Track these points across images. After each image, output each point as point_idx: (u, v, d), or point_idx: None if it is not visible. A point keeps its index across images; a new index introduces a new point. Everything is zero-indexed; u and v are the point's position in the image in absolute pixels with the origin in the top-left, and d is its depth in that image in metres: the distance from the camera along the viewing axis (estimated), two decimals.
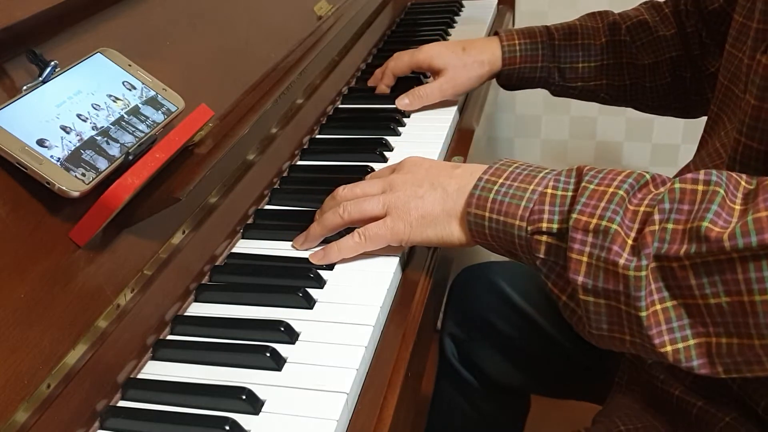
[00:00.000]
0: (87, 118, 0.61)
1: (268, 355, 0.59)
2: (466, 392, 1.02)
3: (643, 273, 0.53)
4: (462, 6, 1.44)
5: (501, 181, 0.63)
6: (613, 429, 0.72)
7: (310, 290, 0.67)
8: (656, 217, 0.54)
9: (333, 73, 1.05)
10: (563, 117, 1.86)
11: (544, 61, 1.02)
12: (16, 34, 0.58)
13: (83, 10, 0.68)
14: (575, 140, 1.88)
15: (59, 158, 0.56)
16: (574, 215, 0.57)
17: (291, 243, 0.74)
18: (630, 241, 0.54)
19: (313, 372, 0.58)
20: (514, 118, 1.90)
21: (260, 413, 0.55)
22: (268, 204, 0.83)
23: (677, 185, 0.55)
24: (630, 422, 0.72)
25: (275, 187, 0.86)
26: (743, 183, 0.55)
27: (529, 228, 0.60)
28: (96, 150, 0.59)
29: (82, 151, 0.58)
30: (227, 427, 0.53)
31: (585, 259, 0.56)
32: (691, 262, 0.51)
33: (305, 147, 0.94)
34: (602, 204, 0.56)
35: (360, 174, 0.85)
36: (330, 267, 0.71)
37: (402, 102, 1.01)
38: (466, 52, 1.02)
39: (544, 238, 0.59)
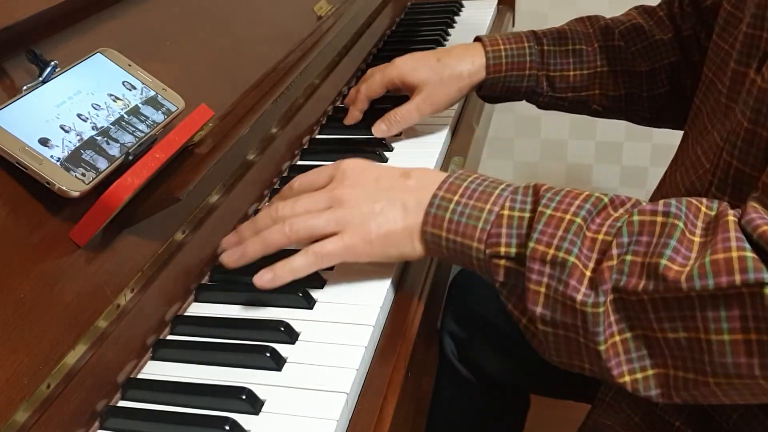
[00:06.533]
0: (87, 118, 0.61)
1: (268, 355, 0.59)
2: (466, 391, 1.01)
3: (601, 309, 0.53)
4: (462, 6, 1.44)
5: (456, 198, 0.62)
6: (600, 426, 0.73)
7: (311, 290, 0.67)
8: (614, 251, 0.53)
9: (333, 73, 1.05)
10: (563, 117, 1.85)
11: (532, 69, 0.94)
12: (16, 34, 0.59)
13: (83, 10, 0.68)
14: (575, 140, 1.88)
15: (59, 158, 0.56)
16: (532, 244, 0.56)
17: (220, 259, 0.68)
18: (588, 273, 0.54)
19: (313, 372, 0.58)
20: (514, 118, 1.91)
21: (260, 413, 0.55)
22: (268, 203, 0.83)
23: (635, 217, 0.54)
24: (615, 416, 0.72)
25: (275, 187, 0.86)
26: (704, 209, 0.54)
27: (487, 251, 0.59)
28: (96, 150, 0.59)
29: (82, 151, 0.58)
30: (227, 427, 0.53)
31: (543, 290, 0.56)
32: (650, 297, 0.51)
33: (305, 147, 0.94)
34: (559, 233, 0.55)
35: None
36: (330, 267, 0.70)
37: (379, 129, 0.93)
38: (441, 63, 0.93)
39: (503, 262, 0.58)
